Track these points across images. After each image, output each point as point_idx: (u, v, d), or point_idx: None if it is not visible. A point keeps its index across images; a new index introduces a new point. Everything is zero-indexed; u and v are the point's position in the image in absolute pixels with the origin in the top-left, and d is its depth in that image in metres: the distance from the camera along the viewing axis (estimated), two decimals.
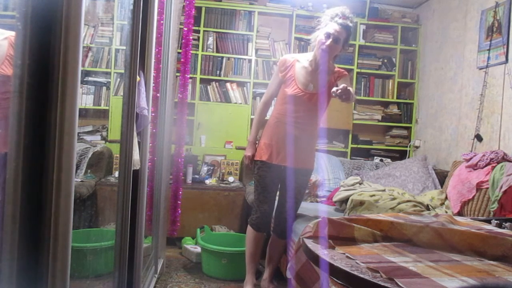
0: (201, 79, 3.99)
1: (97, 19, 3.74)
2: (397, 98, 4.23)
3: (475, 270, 1.13)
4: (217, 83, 4.03)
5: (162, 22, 2.37)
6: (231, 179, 3.68)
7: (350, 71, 4.03)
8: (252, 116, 3.88)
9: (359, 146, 4.17)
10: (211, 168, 3.76)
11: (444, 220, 1.55)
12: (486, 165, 2.63)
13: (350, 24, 2.27)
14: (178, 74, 2.97)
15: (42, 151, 0.78)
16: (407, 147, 4.22)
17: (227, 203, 3.43)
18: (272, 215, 2.48)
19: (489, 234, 1.32)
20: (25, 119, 0.76)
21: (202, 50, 3.97)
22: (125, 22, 1.81)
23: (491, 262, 1.22)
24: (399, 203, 2.55)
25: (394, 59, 4.23)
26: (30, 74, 0.76)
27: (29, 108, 0.76)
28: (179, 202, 2.82)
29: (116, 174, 3.16)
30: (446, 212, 2.63)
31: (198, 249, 2.98)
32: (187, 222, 3.29)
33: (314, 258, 1.24)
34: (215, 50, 4.01)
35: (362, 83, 4.23)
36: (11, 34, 1.79)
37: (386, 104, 4.28)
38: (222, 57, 4.03)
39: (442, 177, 3.27)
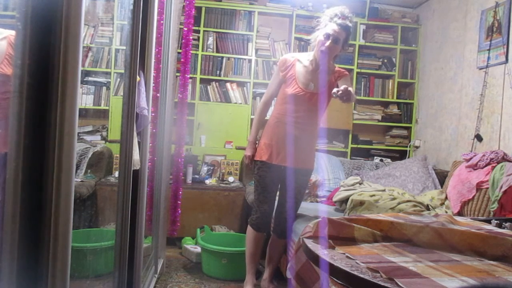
0: (201, 79, 3.99)
1: (97, 19, 3.74)
2: (397, 98, 4.23)
3: (475, 270, 1.13)
4: (217, 83, 4.03)
5: (162, 22, 2.37)
6: (231, 179, 3.68)
7: (350, 71, 4.02)
8: (252, 116, 3.88)
9: (359, 146, 4.17)
10: (211, 168, 3.76)
11: (444, 220, 1.55)
12: (486, 165, 2.63)
13: (350, 24, 2.27)
14: (178, 74, 2.97)
15: (42, 151, 0.78)
16: (407, 147, 4.22)
17: (227, 203, 3.43)
18: (272, 215, 2.48)
19: (489, 234, 1.32)
20: (25, 119, 0.76)
21: (202, 50, 3.97)
22: (125, 22, 1.81)
23: (491, 262, 1.22)
24: (399, 203, 2.55)
25: (394, 59, 4.23)
26: (30, 74, 0.76)
27: (29, 108, 0.76)
28: (179, 202, 2.82)
29: (116, 174, 3.16)
30: (446, 212, 2.63)
31: (198, 249, 2.98)
32: (187, 222, 3.29)
33: (314, 258, 1.24)
34: (215, 50, 4.01)
35: (362, 83, 4.23)
36: (10, 33, 1.79)
37: (386, 104, 4.28)
38: (222, 57, 4.03)
39: (442, 177, 3.27)
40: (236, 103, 4.02)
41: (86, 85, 3.78)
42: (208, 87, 4.03)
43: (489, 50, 3.06)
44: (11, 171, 0.75)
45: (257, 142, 2.48)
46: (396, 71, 4.20)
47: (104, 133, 3.81)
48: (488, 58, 3.05)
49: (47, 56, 0.78)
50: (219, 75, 4.03)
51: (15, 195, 0.75)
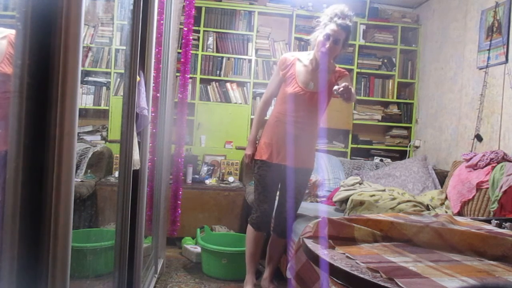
0: (201, 79, 3.99)
1: (97, 19, 3.74)
2: (397, 98, 4.23)
3: (475, 270, 1.13)
4: (217, 83, 4.03)
5: (162, 22, 2.37)
6: (231, 179, 3.68)
7: (350, 71, 4.02)
8: (252, 116, 3.88)
9: (359, 146, 4.17)
10: (211, 168, 3.76)
11: (444, 220, 1.55)
12: (486, 165, 2.63)
13: (350, 24, 2.26)
14: (178, 74, 2.97)
15: (42, 151, 0.78)
16: (407, 147, 4.22)
17: (227, 203, 3.43)
18: (272, 215, 2.48)
19: (489, 234, 1.32)
20: (25, 119, 0.76)
21: (202, 50, 3.97)
22: (125, 22, 1.81)
23: (491, 262, 1.22)
24: (399, 203, 2.55)
25: (394, 59, 4.23)
26: (30, 74, 0.76)
27: (29, 108, 0.76)
28: (179, 202, 2.82)
29: (116, 174, 3.16)
30: (446, 212, 2.63)
31: (198, 249, 2.98)
32: (187, 222, 3.29)
33: (314, 258, 1.24)
34: (215, 50, 4.01)
35: (362, 83, 4.23)
36: (11, 32, 1.79)
37: (386, 104, 4.28)
38: (222, 57, 4.03)
39: (442, 177, 3.27)
40: (236, 103, 4.02)
41: (86, 85, 3.78)
42: (208, 87, 4.03)
43: (489, 50, 3.06)
44: (11, 171, 0.75)
45: (257, 141, 2.48)
46: (396, 71, 4.20)
47: (104, 133, 3.81)
48: (488, 58, 3.05)
49: (47, 56, 0.78)
50: (219, 75, 4.03)
51: (15, 195, 0.75)
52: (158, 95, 2.41)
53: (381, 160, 4.03)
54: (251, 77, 4.03)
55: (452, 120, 3.54)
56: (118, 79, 3.81)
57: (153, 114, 2.28)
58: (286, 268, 1.87)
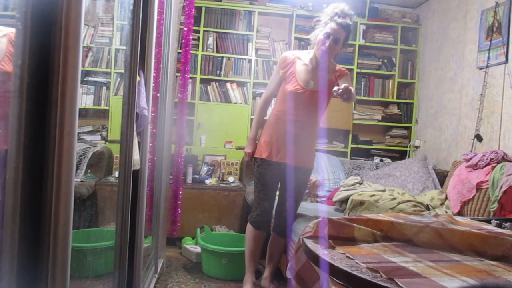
0: (201, 79, 3.99)
1: (97, 19, 3.74)
2: (397, 98, 4.23)
3: (475, 270, 1.13)
4: (217, 83, 4.03)
5: (162, 22, 2.37)
6: (231, 179, 3.68)
7: (350, 71, 4.01)
8: (252, 116, 3.88)
9: (359, 146, 4.17)
10: (211, 168, 3.76)
11: (444, 220, 1.55)
12: (486, 165, 2.63)
13: (350, 23, 2.26)
14: (178, 74, 2.97)
15: (42, 151, 0.78)
16: (407, 147, 4.22)
17: (227, 203, 3.43)
18: (272, 213, 2.48)
19: (489, 234, 1.32)
20: (25, 119, 0.76)
21: (202, 50, 3.97)
22: (125, 22, 1.81)
23: (491, 262, 1.22)
24: (399, 203, 2.55)
25: (394, 59, 4.23)
26: (30, 74, 0.76)
27: (29, 108, 0.76)
28: (179, 202, 2.82)
29: (116, 174, 3.16)
30: (446, 212, 2.63)
31: (198, 249, 2.98)
32: (187, 222, 3.29)
33: (314, 258, 1.24)
34: (215, 50, 4.01)
35: (362, 83, 4.23)
36: (11, 30, 1.79)
37: (386, 104, 4.28)
38: (222, 57, 4.03)
39: (442, 177, 3.27)
40: (236, 103, 4.02)
41: (86, 85, 3.78)
42: (208, 87, 4.03)
43: (489, 50, 3.06)
44: (11, 171, 0.75)
45: (257, 140, 2.48)
46: (396, 71, 4.20)
47: (104, 133, 3.81)
48: (488, 58, 3.05)
49: (47, 56, 0.78)
50: (219, 75, 4.03)
51: (15, 195, 0.75)
52: (158, 95, 2.41)
53: (381, 160, 4.03)
54: (251, 77, 4.03)
55: (452, 120, 3.54)
56: (118, 79, 3.81)
57: (153, 114, 2.28)
58: (286, 268, 1.87)
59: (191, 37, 2.78)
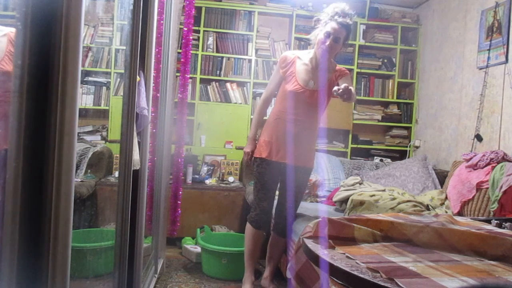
0: (201, 79, 3.99)
1: (97, 19, 3.74)
2: (397, 98, 4.23)
3: (475, 270, 1.13)
4: (217, 83, 4.03)
5: (162, 22, 2.37)
6: (231, 179, 3.68)
7: (350, 71, 4.01)
8: (252, 116, 3.88)
9: (359, 146, 4.17)
10: (211, 168, 3.76)
11: (444, 220, 1.55)
12: (486, 165, 2.63)
13: (350, 22, 2.27)
14: (178, 74, 2.97)
15: (42, 151, 0.78)
16: (407, 147, 4.22)
17: (227, 203, 3.43)
18: (271, 213, 2.48)
19: (489, 234, 1.32)
20: (25, 119, 0.76)
21: (202, 50, 3.97)
22: (125, 22, 1.81)
23: (491, 262, 1.22)
24: (399, 203, 2.55)
25: (394, 59, 4.23)
26: (30, 74, 0.76)
27: (29, 108, 0.76)
28: (179, 202, 2.82)
29: (116, 174, 3.16)
30: (446, 212, 2.63)
31: (198, 249, 2.98)
32: (187, 222, 3.29)
33: (314, 258, 1.24)
34: (215, 50, 4.01)
35: (362, 83, 4.23)
36: (11, 30, 1.79)
37: (386, 104, 4.28)
38: (222, 57, 4.03)
39: (442, 177, 3.27)
40: (236, 103, 4.02)
41: (86, 85, 3.78)
42: (208, 87, 4.03)
43: (489, 50, 3.06)
44: (11, 171, 0.75)
45: (256, 139, 2.48)
46: (396, 71, 4.20)
47: (104, 133, 3.81)
48: (488, 58, 3.05)
49: (47, 56, 0.78)
50: (219, 75, 4.03)
51: (15, 195, 0.75)
52: (158, 95, 2.41)
53: (381, 160, 4.03)
54: (251, 77, 4.03)
55: (452, 120, 3.54)
56: (118, 79, 3.81)
57: (153, 114, 2.28)
58: (286, 268, 1.87)
59: (191, 37, 2.77)
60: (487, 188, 2.52)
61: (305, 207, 2.72)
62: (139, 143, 1.73)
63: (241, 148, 3.80)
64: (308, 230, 1.41)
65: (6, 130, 0.77)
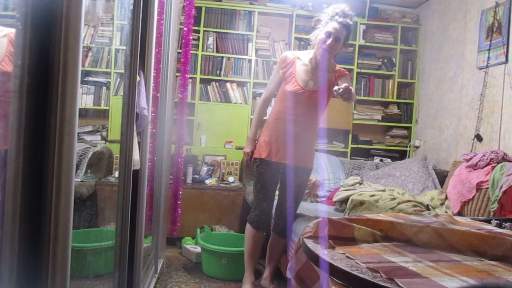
0: (201, 79, 3.99)
1: (97, 19, 3.74)
2: (397, 98, 4.23)
3: (475, 270, 1.13)
4: (217, 83, 4.03)
5: (162, 22, 2.37)
6: (231, 179, 3.68)
7: (350, 71, 4.02)
8: (252, 116, 3.88)
9: (359, 146, 4.17)
10: (211, 168, 3.76)
11: (444, 220, 1.55)
12: (486, 165, 2.63)
13: (350, 23, 2.27)
14: (178, 74, 2.97)
15: (42, 151, 0.78)
16: (407, 147, 4.22)
17: (227, 203, 3.43)
18: (271, 213, 2.48)
19: (489, 234, 1.32)
20: (25, 119, 0.76)
21: (202, 50, 3.97)
22: (125, 22, 1.81)
23: (491, 262, 1.22)
24: (399, 203, 2.55)
25: (394, 59, 4.23)
26: (30, 74, 0.76)
27: (29, 108, 0.76)
28: (179, 202, 2.82)
29: (116, 174, 3.16)
30: (446, 212, 2.63)
31: (198, 249, 2.98)
32: (187, 222, 3.29)
33: (314, 258, 1.24)
34: (215, 50, 4.01)
35: (362, 83, 4.23)
36: (11, 31, 1.79)
37: (386, 104, 4.28)
38: (222, 57, 4.03)
39: (442, 177, 3.27)
40: (236, 103, 4.02)
41: (86, 85, 3.78)
42: (208, 87, 4.03)
43: (489, 50, 3.06)
44: (11, 171, 0.75)
45: (256, 139, 2.48)
46: (396, 71, 4.20)
47: (104, 133, 3.81)
48: (488, 58, 3.05)
49: (47, 56, 0.78)
50: (219, 75, 4.03)
51: (15, 195, 0.75)
52: (158, 95, 2.41)
53: (381, 160, 4.03)
54: (251, 77, 4.03)
55: (452, 120, 3.54)
56: (118, 79, 3.81)
57: (153, 114, 2.28)
58: (286, 268, 1.87)
59: (191, 37, 2.77)
60: (487, 188, 2.52)
61: (305, 207, 2.72)
62: (139, 143, 1.73)
63: (241, 148, 3.80)
64: (308, 230, 1.41)
65: (6, 130, 0.77)
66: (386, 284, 0.99)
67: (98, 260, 2.46)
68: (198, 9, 3.84)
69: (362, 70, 4.19)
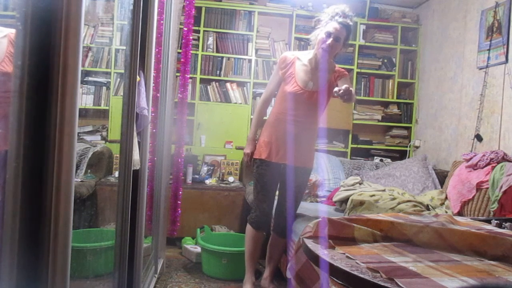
0: (201, 79, 3.99)
1: (97, 19, 3.74)
2: (397, 98, 4.23)
3: (475, 270, 1.13)
4: (217, 83, 4.03)
5: (162, 22, 2.37)
6: (231, 179, 3.68)
7: (350, 71, 4.03)
8: (252, 116, 3.88)
9: (359, 146, 4.17)
10: (211, 168, 3.76)
11: (444, 220, 1.55)
12: (486, 165, 2.63)
13: (350, 23, 2.28)
14: (178, 74, 2.97)
15: (42, 151, 0.78)
16: (407, 147, 4.22)
17: (227, 203, 3.43)
18: (271, 214, 2.48)
19: (489, 234, 1.32)
20: (25, 119, 0.76)
21: (202, 50, 3.97)
22: (125, 22, 1.81)
23: (491, 262, 1.22)
24: (399, 203, 2.55)
25: (394, 59, 4.23)
26: (30, 74, 0.76)
27: (29, 108, 0.76)
28: (179, 202, 2.82)
29: (116, 174, 3.16)
30: (446, 212, 2.63)
31: (198, 249, 2.98)
32: (187, 222, 3.29)
33: (314, 258, 1.24)
34: (215, 50, 4.01)
35: (362, 83, 4.23)
36: (11, 31, 1.79)
37: (386, 104, 4.28)
38: (222, 57, 4.03)
39: (442, 177, 3.27)
40: (236, 103, 4.02)
41: (86, 85, 3.78)
42: (208, 87, 4.03)
43: (489, 50, 3.06)
44: (11, 171, 0.75)
45: (256, 140, 2.48)
46: (396, 71, 4.20)
47: (104, 133, 3.81)
48: (488, 58, 3.05)
49: (47, 56, 0.78)
50: (219, 75, 4.03)
51: (15, 195, 0.75)
52: (158, 95, 2.41)
53: (381, 160, 4.03)
54: (251, 77, 4.03)
55: (452, 120, 3.54)
56: (118, 79, 3.81)
57: (153, 114, 2.28)
58: (286, 268, 1.87)
59: (191, 37, 2.77)
60: (487, 188, 2.52)
61: (305, 207, 2.72)
62: (139, 143, 1.73)
63: (241, 148, 3.80)
64: (308, 230, 1.41)
65: (6, 131, 0.77)
66: (386, 284, 0.99)
67: (98, 260, 2.46)
68: (198, 9, 3.84)
69: (362, 70, 4.19)
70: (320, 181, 3.23)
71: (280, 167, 2.37)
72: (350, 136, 4.14)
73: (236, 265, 2.69)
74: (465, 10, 3.44)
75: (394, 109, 4.26)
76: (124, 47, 2.28)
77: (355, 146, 4.15)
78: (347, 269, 1.08)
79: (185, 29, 2.72)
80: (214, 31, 4.00)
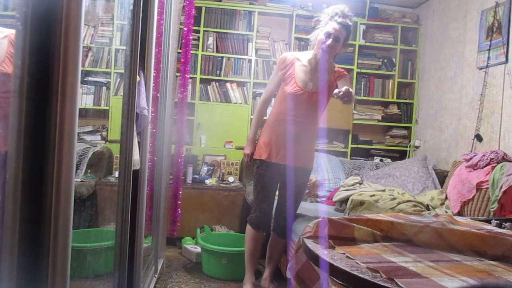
0: (201, 79, 3.99)
1: (97, 19, 3.74)
2: (397, 98, 4.23)
3: (475, 270, 1.13)
4: (217, 83, 4.03)
5: (162, 22, 2.37)
6: (231, 179, 3.68)
7: (350, 71, 4.03)
8: (252, 116, 3.88)
9: (359, 146, 4.17)
10: (211, 168, 3.76)
11: (444, 220, 1.55)
12: (486, 165, 2.63)
13: (350, 23, 2.28)
14: (178, 74, 2.97)
15: (42, 151, 0.78)
16: (407, 147, 4.22)
17: (227, 203, 3.43)
18: (271, 214, 2.48)
19: (489, 234, 1.32)
20: (25, 119, 0.76)
21: (202, 50, 3.97)
22: (125, 22, 1.81)
23: (491, 262, 1.22)
24: (399, 203, 2.55)
25: (394, 59, 4.23)
26: (30, 74, 0.76)
27: (29, 108, 0.76)
28: (179, 202, 2.82)
29: (116, 174, 3.16)
30: (446, 212, 2.63)
31: (198, 249, 2.98)
32: (187, 222, 3.29)
33: (314, 258, 1.24)
34: (215, 50, 4.01)
35: (362, 83, 4.23)
36: (11, 32, 1.79)
37: (386, 104, 4.28)
38: (222, 57, 4.03)
39: (442, 177, 3.27)
40: (236, 103, 4.02)
41: (86, 85, 3.78)
42: (208, 87, 4.03)
43: (489, 50, 3.06)
44: (11, 171, 0.75)
45: (256, 140, 2.48)
46: (396, 71, 4.20)
47: (104, 133, 3.81)
48: (488, 58, 3.05)
49: (47, 56, 0.78)
50: (219, 75, 4.03)
51: (15, 195, 0.75)
52: (158, 95, 2.41)
53: (381, 160, 4.03)
54: (251, 77, 4.03)
55: (452, 120, 3.54)
56: (118, 79, 3.81)
57: (153, 114, 2.28)
58: (286, 268, 1.87)
59: (191, 37, 2.77)
60: (487, 188, 2.52)
61: (305, 207, 2.72)
62: (139, 143, 1.73)
63: (241, 148, 3.80)
64: (308, 230, 1.41)
65: (6, 131, 0.77)
66: (386, 284, 0.99)
67: (98, 260, 2.46)
68: (198, 9, 3.84)
69: (362, 70, 4.19)
70: (320, 181, 3.23)
71: (280, 167, 2.37)
72: (350, 136, 4.14)
73: (236, 265, 2.69)
74: (465, 10, 3.44)
75: (394, 109, 4.26)
76: (124, 47, 2.28)
77: (355, 146, 4.15)
78: (347, 269, 1.09)
79: (185, 29, 2.72)
80: (214, 31, 4.00)
